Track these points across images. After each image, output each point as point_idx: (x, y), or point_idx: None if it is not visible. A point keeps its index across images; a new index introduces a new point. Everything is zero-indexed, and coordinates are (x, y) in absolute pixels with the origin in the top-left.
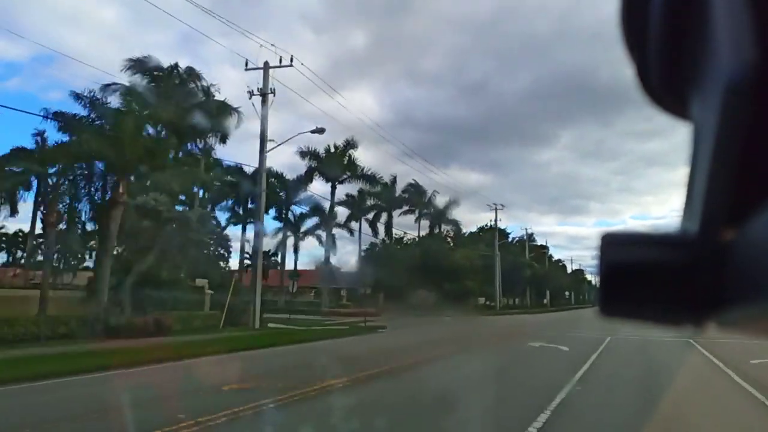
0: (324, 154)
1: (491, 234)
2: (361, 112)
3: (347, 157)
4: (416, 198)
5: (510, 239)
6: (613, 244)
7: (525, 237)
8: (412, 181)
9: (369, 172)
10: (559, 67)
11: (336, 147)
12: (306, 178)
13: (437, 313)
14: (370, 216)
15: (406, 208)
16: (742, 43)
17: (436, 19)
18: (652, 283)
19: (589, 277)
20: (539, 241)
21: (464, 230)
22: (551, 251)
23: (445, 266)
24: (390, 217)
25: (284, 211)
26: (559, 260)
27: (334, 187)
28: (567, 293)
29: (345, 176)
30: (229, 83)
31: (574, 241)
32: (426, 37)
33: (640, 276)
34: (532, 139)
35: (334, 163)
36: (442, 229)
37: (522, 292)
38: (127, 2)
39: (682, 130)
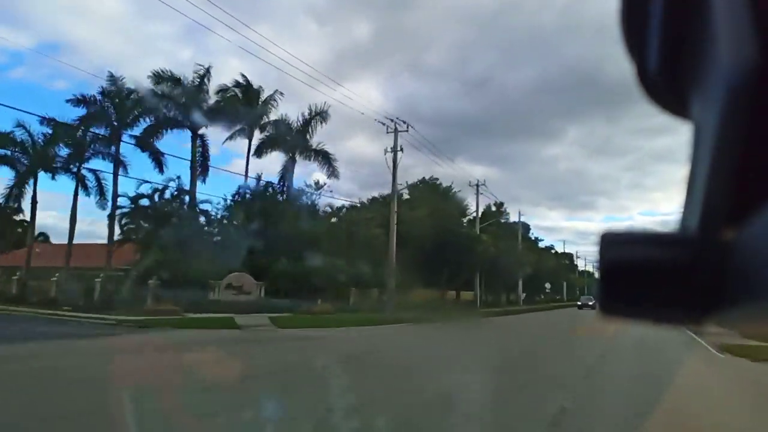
0: None
1: (425, 191)
2: (365, 105)
3: None
4: (242, 106)
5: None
6: (613, 243)
7: (477, 196)
8: (242, 80)
9: None
10: (565, 61)
11: None
12: None
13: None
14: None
15: (237, 128)
16: (743, 43)
17: (440, 12)
18: (653, 282)
19: (587, 267)
20: (538, 231)
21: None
22: (557, 246)
23: (289, 235)
24: (197, 139)
25: None
26: (552, 247)
27: None
28: (548, 285)
29: None
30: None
31: (582, 237)
32: (430, 30)
33: (640, 275)
34: (539, 134)
35: None
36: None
37: (464, 282)
38: None
39: (689, 127)
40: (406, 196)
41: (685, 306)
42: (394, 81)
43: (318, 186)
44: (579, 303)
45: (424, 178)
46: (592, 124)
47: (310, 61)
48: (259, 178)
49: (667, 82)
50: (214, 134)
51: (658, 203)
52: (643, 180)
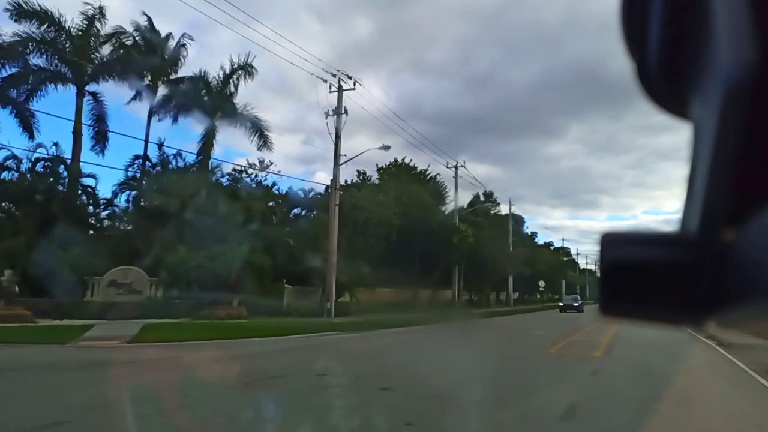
0: None
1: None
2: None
3: None
4: (142, 57)
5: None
6: (613, 244)
7: (454, 175)
8: (145, 23)
9: None
10: (568, 59)
11: None
12: None
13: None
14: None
15: (142, 85)
16: (742, 43)
17: (442, 9)
18: (653, 282)
19: (588, 265)
20: (543, 230)
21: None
22: (559, 244)
23: (202, 221)
24: (83, 97)
25: None
26: (551, 243)
27: None
28: (542, 283)
29: None
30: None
31: (585, 236)
32: (432, 27)
33: (640, 275)
34: (542, 132)
35: None
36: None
37: (441, 278)
38: None
39: (689, 127)
40: (376, 181)
41: (686, 306)
42: (397, 78)
43: (263, 166)
44: (561, 304)
45: (396, 159)
46: (594, 121)
47: (312, 59)
48: (161, 146)
49: (666, 82)
50: (120, 94)
51: (662, 202)
52: (645, 178)
